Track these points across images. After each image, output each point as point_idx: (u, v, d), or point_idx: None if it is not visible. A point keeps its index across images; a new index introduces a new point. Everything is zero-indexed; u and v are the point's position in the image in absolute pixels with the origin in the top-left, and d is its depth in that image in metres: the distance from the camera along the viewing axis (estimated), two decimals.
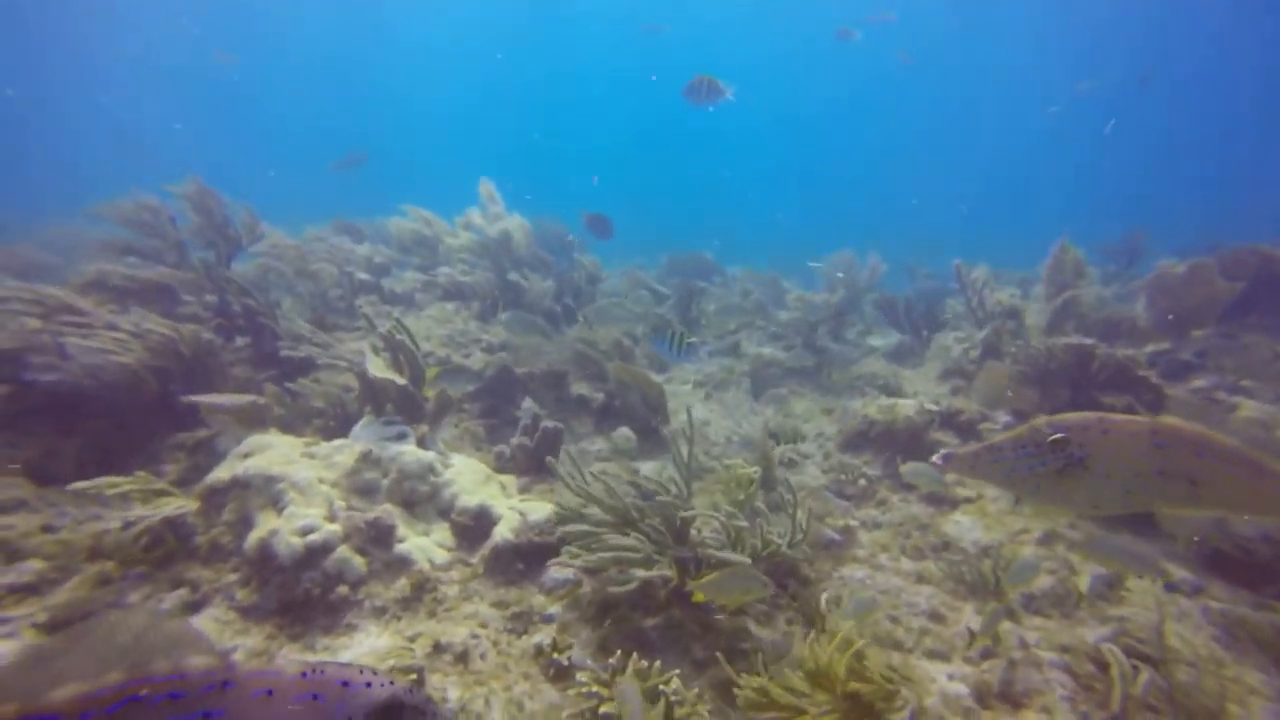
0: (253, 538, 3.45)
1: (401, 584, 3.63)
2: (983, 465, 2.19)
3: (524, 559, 3.98)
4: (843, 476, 5.31)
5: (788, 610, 3.89)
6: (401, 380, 4.37)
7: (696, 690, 3.06)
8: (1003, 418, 5.88)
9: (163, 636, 0.95)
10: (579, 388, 6.54)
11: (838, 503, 4.93)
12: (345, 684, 1.07)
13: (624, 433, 5.73)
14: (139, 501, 3.41)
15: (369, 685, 1.10)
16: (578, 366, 6.26)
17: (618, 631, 3.53)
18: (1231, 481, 1.91)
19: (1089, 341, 5.60)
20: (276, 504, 3.63)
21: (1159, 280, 7.95)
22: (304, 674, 1.05)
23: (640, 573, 3.50)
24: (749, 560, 3.58)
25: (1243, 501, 1.94)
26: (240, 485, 3.68)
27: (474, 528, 4.03)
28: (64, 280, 5.15)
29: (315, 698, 1.03)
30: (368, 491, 3.95)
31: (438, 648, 3.23)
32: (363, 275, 7.86)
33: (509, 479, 4.65)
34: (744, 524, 3.74)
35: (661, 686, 2.92)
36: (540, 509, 4.16)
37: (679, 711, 2.88)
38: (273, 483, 3.68)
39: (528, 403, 5.15)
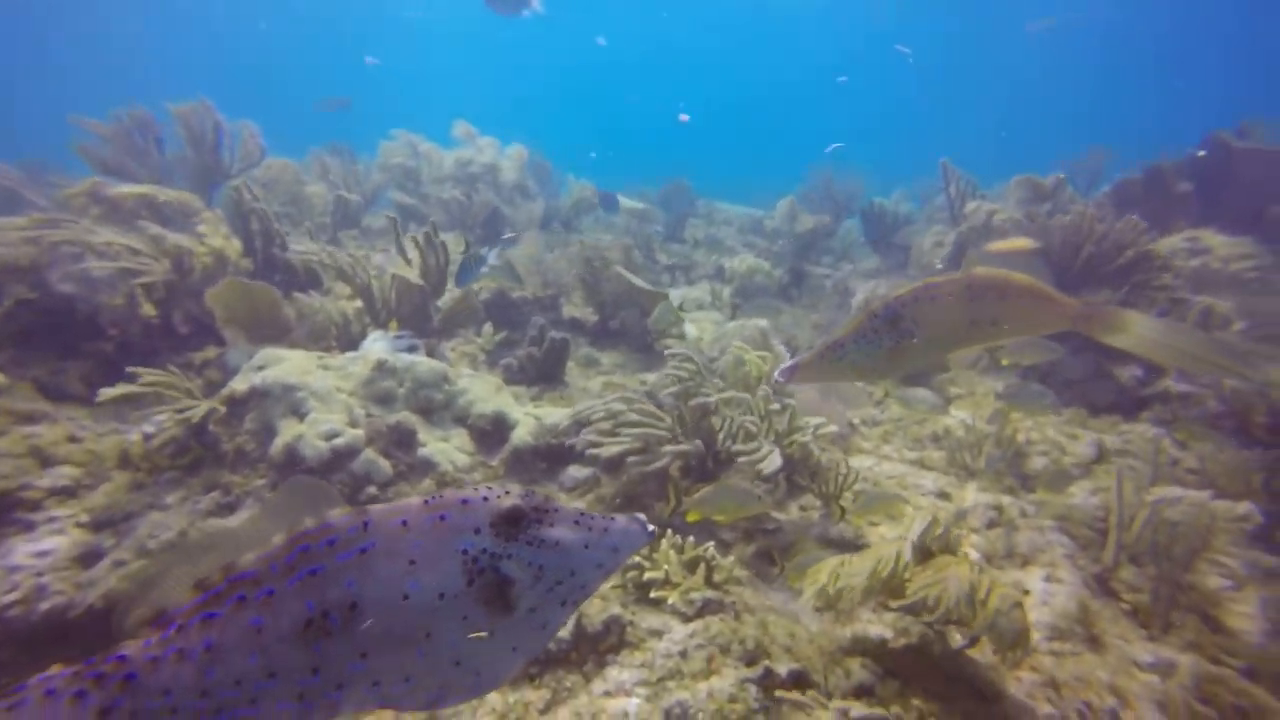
0: (278, 443, 3.45)
1: (427, 484, 3.69)
2: (827, 366, 2.29)
3: (544, 460, 4.05)
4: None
5: (803, 495, 4.05)
6: (419, 282, 4.33)
7: (732, 559, 3.20)
8: None
9: (302, 500, 1.14)
10: (572, 310, 6.56)
11: (836, 403, 5.09)
12: (465, 501, 1.16)
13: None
14: (170, 400, 3.37)
15: (486, 499, 1.18)
16: (580, 282, 6.25)
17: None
18: (1024, 313, 2.17)
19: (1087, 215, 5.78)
20: (298, 411, 3.62)
21: (1120, 191, 8.20)
22: (426, 501, 1.15)
23: (670, 448, 3.60)
24: (775, 449, 3.70)
25: (1032, 326, 2.23)
26: (259, 395, 3.66)
27: (491, 433, 4.07)
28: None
29: (442, 517, 1.13)
30: (385, 400, 3.95)
31: None
32: (353, 197, 7.61)
33: (518, 389, 4.69)
34: (775, 406, 3.85)
35: (699, 554, 3.05)
36: (555, 413, 4.22)
37: (718, 575, 3.02)
38: (292, 391, 3.66)
39: (536, 318, 5.16)
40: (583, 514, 1.24)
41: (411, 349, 4.29)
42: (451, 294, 4.90)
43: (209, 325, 4.35)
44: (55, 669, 0.94)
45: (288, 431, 3.48)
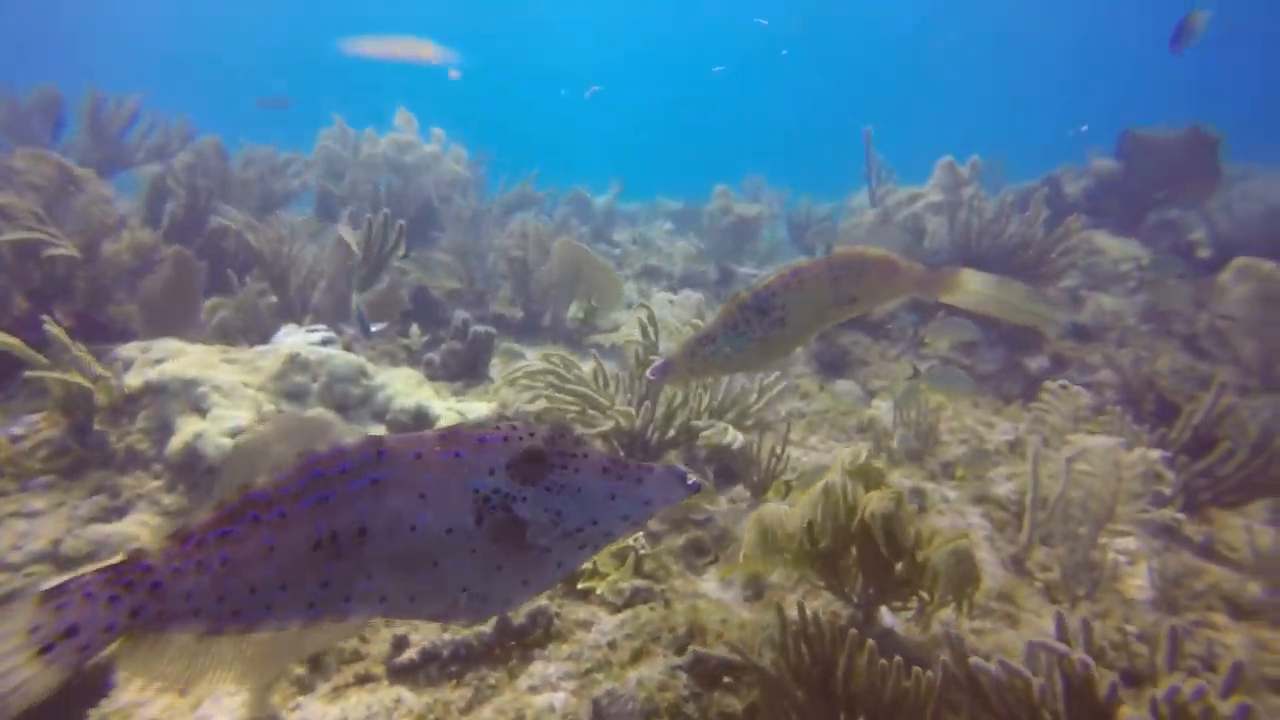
0: (176, 441, 3.20)
1: None
2: (699, 361, 2.30)
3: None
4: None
5: (734, 486, 4.04)
6: (359, 254, 4.12)
7: (661, 547, 3.14)
8: (906, 315, 6.27)
9: (315, 429, 1.14)
10: (499, 307, 6.41)
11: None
12: (482, 440, 1.16)
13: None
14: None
15: (506, 439, 1.17)
16: (510, 272, 6.11)
17: None
18: (879, 285, 2.28)
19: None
20: (199, 407, 3.36)
21: (1023, 198, 8.67)
22: (443, 436, 1.16)
23: (605, 420, 3.53)
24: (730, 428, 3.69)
25: (885, 296, 2.35)
26: (154, 391, 3.38)
27: (413, 428, 3.90)
28: None
29: (457, 454, 1.14)
30: (297, 396, 3.73)
31: None
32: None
33: (439, 385, 4.52)
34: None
35: (628, 544, 2.98)
36: (479, 408, 4.09)
37: (648, 564, 2.96)
38: (192, 386, 3.40)
39: (459, 312, 5.00)
40: (615, 461, 1.21)
41: (327, 343, 4.07)
42: (373, 289, 4.69)
43: (114, 318, 4.02)
44: (88, 574, 1.01)
45: (187, 429, 3.23)
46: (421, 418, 3.93)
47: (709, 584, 3.35)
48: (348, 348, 4.18)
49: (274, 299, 4.49)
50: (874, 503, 2.38)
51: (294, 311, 4.56)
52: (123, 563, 1.04)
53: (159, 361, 3.49)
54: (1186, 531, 4.15)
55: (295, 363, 3.72)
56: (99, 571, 1.02)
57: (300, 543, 1.06)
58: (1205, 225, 8.57)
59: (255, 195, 6.83)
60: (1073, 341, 6.28)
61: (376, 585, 1.10)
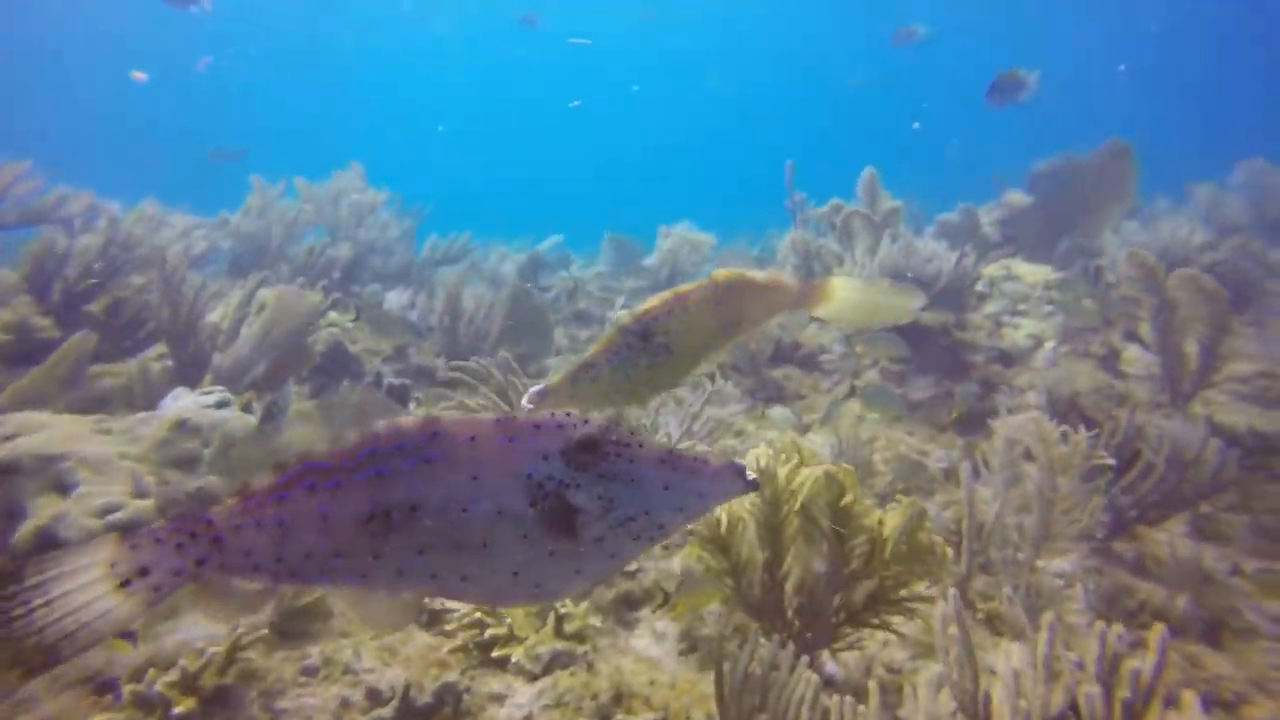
0: (26, 528, 2.84)
1: None
2: (581, 389, 2.19)
3: None
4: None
5: None
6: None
7: (585, 606, 2.93)
8: (838, 348, 6.29)
9: (377, 407, 1.19)
10: (422, 357, 6.17)
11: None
12: (538, 425, 1.15)
13: None
14: None
15: (561, 425, 1.16)
16: (441, 321, 5.89)
17: None
18: (762, 305, 2.25)
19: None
20: (60, 485, 3.02)
21: (940, 227, 8.98)
22: (498, 420, 1.16)
23: None
24: None
25: (767, 315, 2.31)
26: (3, 472, 3.02)
27: None
28: None
29: (511, 439, 1.13)
30: (186, 464, 3.41)
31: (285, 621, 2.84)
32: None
33: None
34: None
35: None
36: None
37: (569, 625, 2.74)
38: (53, 463, 3.06)
39: (375, 367, 4.75)
40: (672, 452, 1.19)
41: (223, 404, 3.77)
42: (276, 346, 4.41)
43: None
44: (158, 523, 1.05)
45: (43, 512, 2.88)
46: None
47: (640, 640, 3.15)
48: (246, 408, 3.89)
49: (170, 363, 4.17)
50: (811, 483, 2.31)
51: (193, 375, 4.24)
52: (188, 515, 1.07)
53: (9, 438, 3.13)
54: (1117, 548, 4.16)
55: (183, 428, 3.41)
56: (168, 520, 1.06)
57: (353, 514, 1.07)
58: (1110, 253, 9.01)
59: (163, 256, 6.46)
60: (999, 366, 6.40)
61: (428, 561, 1.11)
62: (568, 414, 1.19)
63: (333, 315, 6.64)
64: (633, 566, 3.50)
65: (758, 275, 2.21)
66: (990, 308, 7.42)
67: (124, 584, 0.98)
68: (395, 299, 5.93)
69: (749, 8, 47.23)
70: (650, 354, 2.12)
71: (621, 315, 2.19)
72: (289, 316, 4.33)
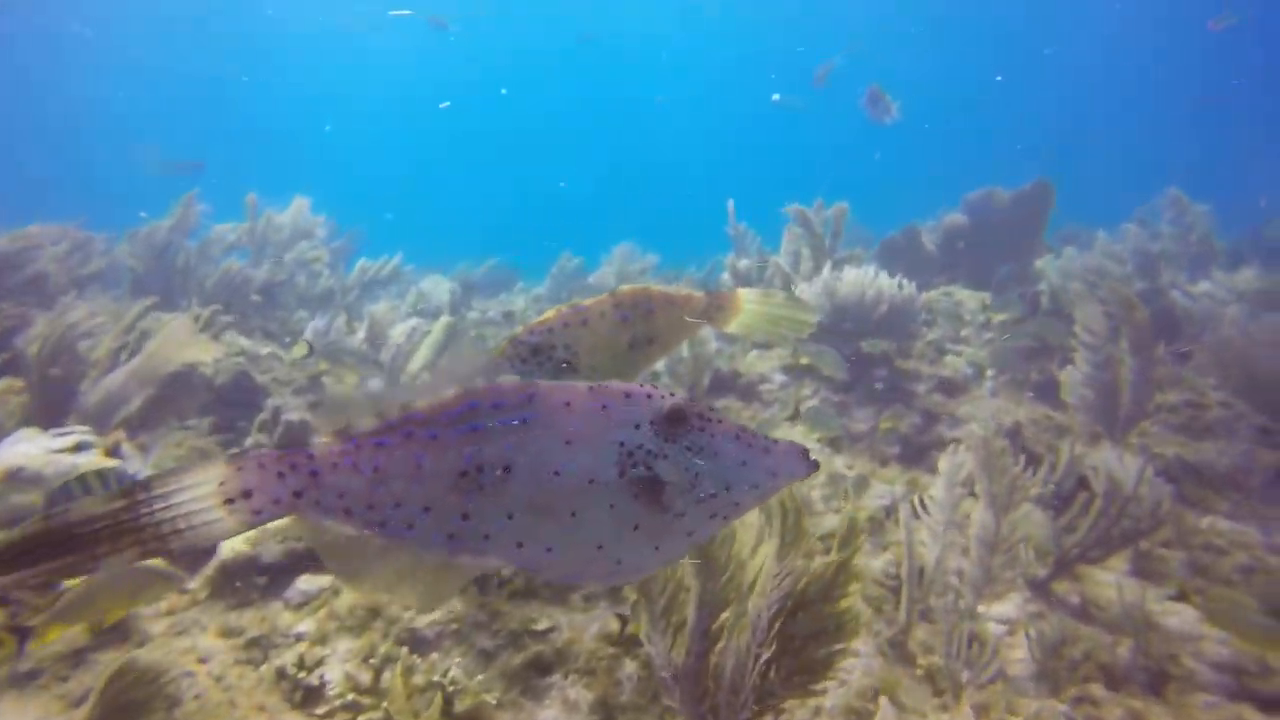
0: None
1: (76, 631, 2.74)
2: None
3: (266, 572, 3.24)
4: None
5: (585, 588, 3.56)
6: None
7: (481, 679, 2.60)
8: (778, 377, 6.11)
9: (482, 362, 1.15)
10: (342, 390, 5.74)
11: None
12: (629, 395, 1.15)
13: None
14: None
15: (650, 396, 1.16)
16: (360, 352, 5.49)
17: (388, 635, 2.95)
18: (672, 322, 2.13)
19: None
20: None
21: (885, 246, 8.99)
22: (591, 388, 1.15)
23: None
24: None
25: (680, 332, 2.20)
26: None
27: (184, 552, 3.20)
28: None
29: (604, 406, 1.13)
30: (19, 520, 2.96)
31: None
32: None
33: None
34: None
35: (436, 679, 2.42)
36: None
37: (461, 704, 2.41)
38: None
39: (272, 401, 4.33)
40: (744, 430, 1.20)
41: (81, 448, 3.33)
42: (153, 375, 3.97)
43: None
44: (265, 449, 1.30)
45: None
46: None
47: (549, 710, 2.82)
48: (111, 453, 3.45)
49: (26, 397, 3.70)
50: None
51: (58, 412, 3.77)
52: (291, 447, 1.07)
53: None
54: (1059, 589, 4.02)
55: (17, 478, 2.97)
56: (273, 449, 1.11)
57: (448, 467, 1.07)
58: (1043, 279, 9.14)
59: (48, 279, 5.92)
60: (940, 396, 6.31)
61: (515, 528, 1.11)
62: (654, 385, 1.19)
63: (243, 342, 6.18)
64: (544, 625, 3.18)
65: (662, 288, 2.11)
66: (932, 334, 7.38)
67: (228, 501, 1.01)
68: (314, 326, 5.52)
69: (697, 22, 48.05)
70: (551, 370, 1.96)
71: (517, 329, 2.02)
72: (174, 347, 3.90)
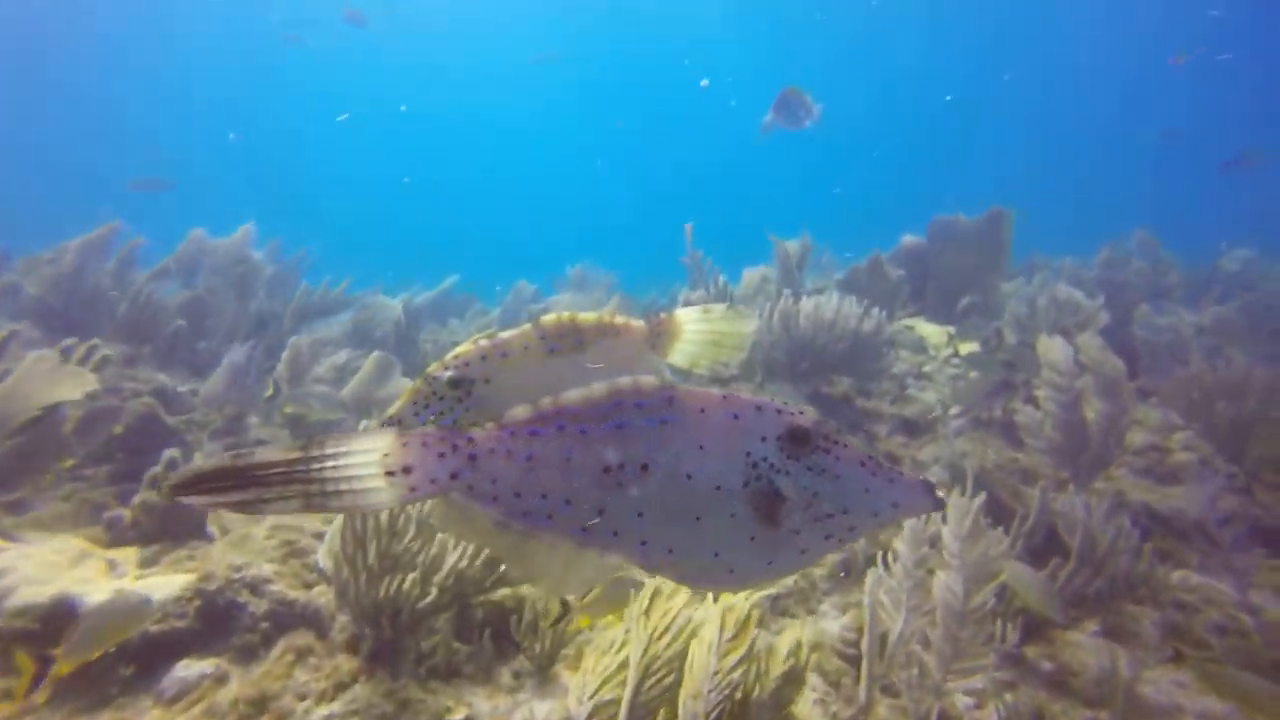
0: None
1: None
2: None
3: (133, 659, 2.79)
4: None
5: (515, 660, 3.17)
6: None
7: None
8: None
9: (640, 360, 1.45)
10: (261, 430, 5.30)
11: None
12: (759, 407, 1.17)
13: None
14: None
15: (779, 411, 1.18)
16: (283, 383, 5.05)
17: None
18: (607, 353, 1.92)
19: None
20: None
21: (848, 277, 8.81)
22: (725, 397, 1.17)
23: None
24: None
25: (620, 365, 1.97)
26: None
27: (42, 634, 2.74)
28: None
29: (736, 416, 1.15)
30: None
31: None
32: None
33: (128, 552, 3.38)
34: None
35: None
36: (169, 584, 3.01)
37: None
38: None
39: (169, 450, 3.88)
40: (871, 457, 1.20)
41: None
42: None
43: None
44: (429, 427, 1.10)
45: None
46: (60, 614, 2.79)
47: None
48: None
49: None
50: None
51: None
52: (453, 429, 1.09)
53: None
54: (1031, 655, 3.75)
55: None
56: (436, 429, 1.09)
57: (594, 462, 1.10)
58: (1006, 312, 9.04)
59: None
60: (903, 437, 6.07)
61: (643, 526, 1.12)
62: (785, 401, 1.20)
63: (162, 378, 5.69)
64: (460, 715, 2.79)
65: (590, 317, 1.91)
66: (896, 369, 7.17)
67: (389, 473, 1.02)
68: (231, 361, 5.08)
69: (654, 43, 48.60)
70: (466, 404, 1.74)
71: (432, 364, 1.78)
72: (36, 384, 3.44)
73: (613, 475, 1.09)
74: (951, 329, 8.45)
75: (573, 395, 1.12)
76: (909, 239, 9.20)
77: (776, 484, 1.14)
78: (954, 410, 6.15)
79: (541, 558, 1.11)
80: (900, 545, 3.59)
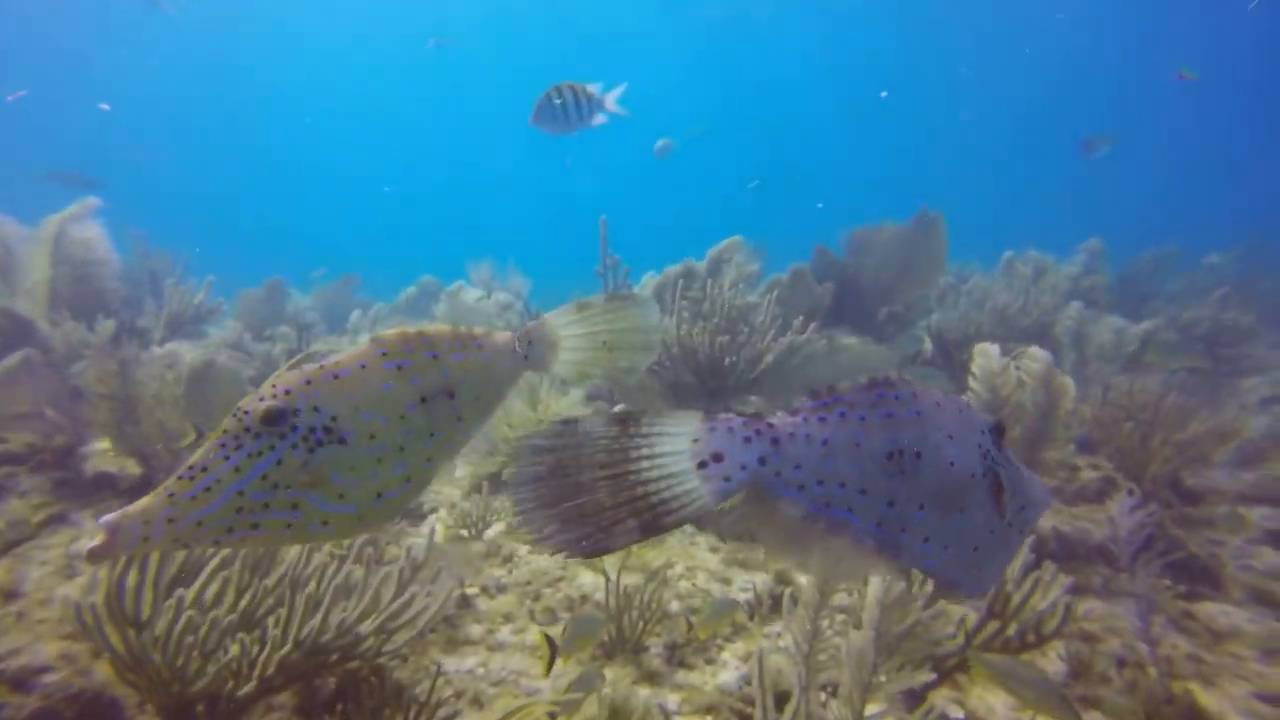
0: None
1: None
2: (182, 510, 1.26)
3: None
4: (464, 531, 4.34)
5: None
6: None
7: None
8: None
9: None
10: (103, 461, 4.65)
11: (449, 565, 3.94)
12: (960, 405, 1.16)
13: None
14: None
15: (972, 407, 1.18)
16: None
17: None
18: (476, 369, 1.61)
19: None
20: None
21: (771, 287, 8.62)
22: (944, 392, 1.14)
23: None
24: None
25: (496, 384, 1.69)
26: None
27: None
28: None
29: (960, 411, 1.15)
30: None
31: None
32: None
33: None
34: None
35: None
36: None
37: None
38: None
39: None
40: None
41: None
42: None
43: None
44: (731, 415, 1.02)
45: None
46: None
47: None
48: None
49: None
50: None
51: None
52: (752, 413, 1.04)
53: None
54: (937, 702, 3.55)
55: None
56: (736, 414, 1.05)
57: (879, 448, 1.05)
58: (928, 322, 9.01)
59: None
60: None
61: (925, 519, 1.09)
62: (967, 404, 1.18)
63: None
64: None
65: (442, 328, 1.61)
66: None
67: (701, 465, 0.96)
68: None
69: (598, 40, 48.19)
70: (305, 446, 1.35)
71: (241, 401, 1.38)
72: None
73: (895, 462, 1.05)
74: (873, 341, 8.37)
75: (845, 384, 1.09)
76: (819, 246, 9.04)
77: (1000, 475, 1.15)
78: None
79: (849, 559, 1.05)
80: (803, 587, 3.33)
